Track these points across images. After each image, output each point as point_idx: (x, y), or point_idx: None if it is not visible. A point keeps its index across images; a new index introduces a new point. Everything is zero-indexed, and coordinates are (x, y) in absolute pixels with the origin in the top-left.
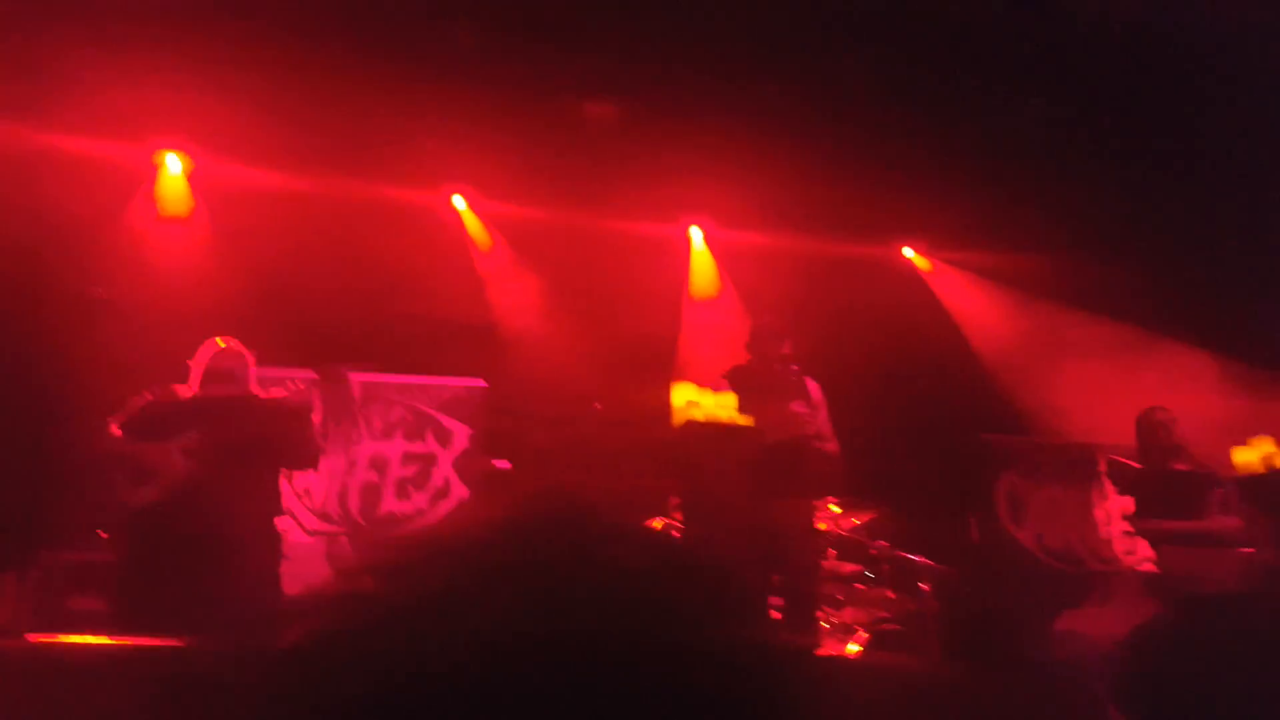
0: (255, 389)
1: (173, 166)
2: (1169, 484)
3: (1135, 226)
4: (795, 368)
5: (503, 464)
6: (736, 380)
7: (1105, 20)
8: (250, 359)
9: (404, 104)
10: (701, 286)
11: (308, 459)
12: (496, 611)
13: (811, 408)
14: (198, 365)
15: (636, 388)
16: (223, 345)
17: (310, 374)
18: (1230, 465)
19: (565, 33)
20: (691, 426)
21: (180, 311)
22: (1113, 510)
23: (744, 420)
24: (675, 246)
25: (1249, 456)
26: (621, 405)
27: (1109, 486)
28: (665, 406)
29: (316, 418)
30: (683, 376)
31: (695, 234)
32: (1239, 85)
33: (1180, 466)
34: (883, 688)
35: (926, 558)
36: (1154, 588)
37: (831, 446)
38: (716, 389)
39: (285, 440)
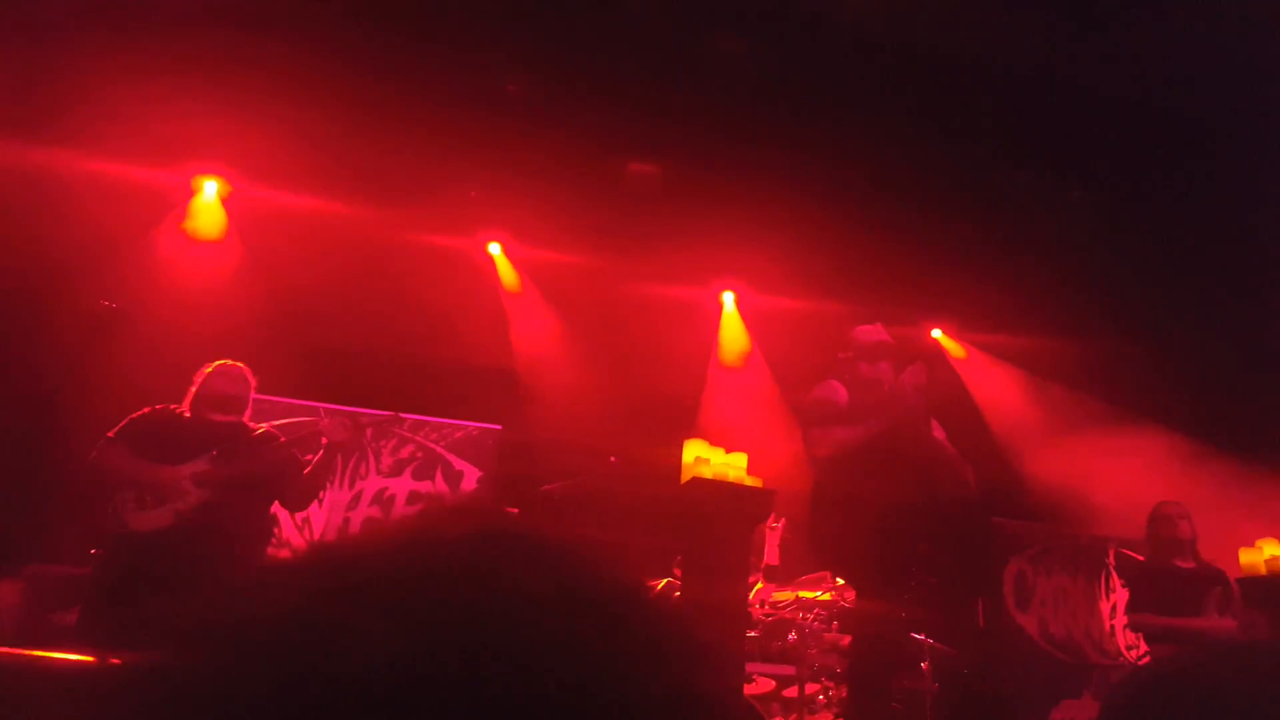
0: (248, 419)
1: (209, 191)
2: (1170, 580)
3: (1169, 319)
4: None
5: (511, 510)
6: None
7: (1135, 112)
8: (253, 386)
9: (448, 148)
10: (730, 350)
11: (302, 501)
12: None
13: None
14: (202, 386)
15: (654, 445)
16: (228, 369)
17: (324, 405)
18: (1237, 565)
19: (612, 94)
20: (697, 483)
21: (197, 330)
22: (1119, 603)
23: (753, 481)
24: (706, 309)
25: (1254, 557)
26: (637, 461)
27: (1116, 580)
28: (679, 465)
29: (324, 450)
30: (703, 437)
31: (728, 298)
32: (1268, 179)
33: (1183, 563)
34: None
35: (929, 637)
36: None
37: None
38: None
39: (284, 479)
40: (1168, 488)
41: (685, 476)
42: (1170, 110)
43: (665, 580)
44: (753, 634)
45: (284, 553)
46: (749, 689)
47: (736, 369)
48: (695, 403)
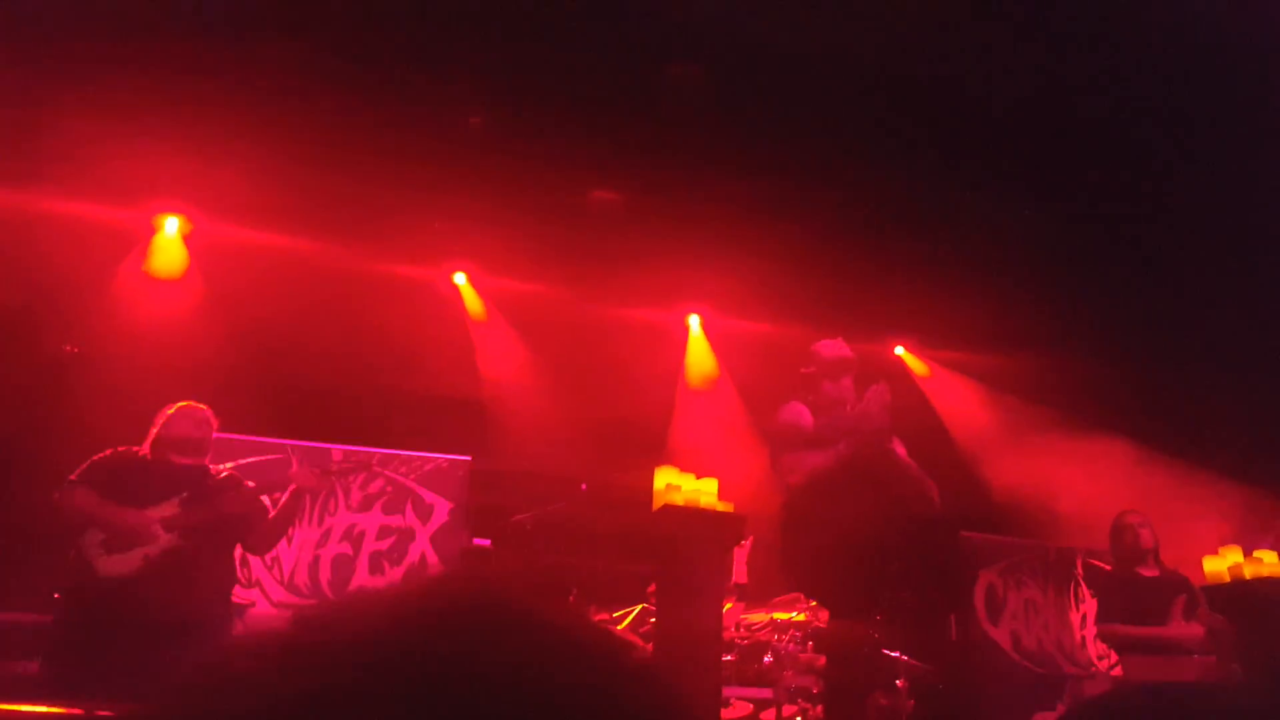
0: (209, 462)
1: (170, 229)
2: (1135, 588)
3: (1122, 332)
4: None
5: (483, 541)
6: None
7: (1089, 130)
8: (214, 428)
9: (412, 180)
10: (697, 374)
11: (267, 545)
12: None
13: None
14: (163, 429)
15: (625, 471)
16: (191, 410)
17: (289, 442)
18: (1198, 571)
19: (574, 122)
20: (669, 510)
21: (159, 370)
22: (1088, 614)
23: (724, 506)
24: (673, 333)
25: (1217, 565)
26: (608, 488)
27: (1085, 590)
28: (650, 491)
29: (291, 495)
30: (672, 462)
31: (694, 322)
32: (1216, 194)
33: (1147, 572)
34: None
35: (904, 654)
36: None
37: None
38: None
39: (250, 523)
40: (1127, 496)
41: (657, 504)
42: (1122, 128)
43: (640, 606)
44: (729, 658)
45: (253, 592)
46: (726, 714)
47: (704, 392)
48: (664, 427)
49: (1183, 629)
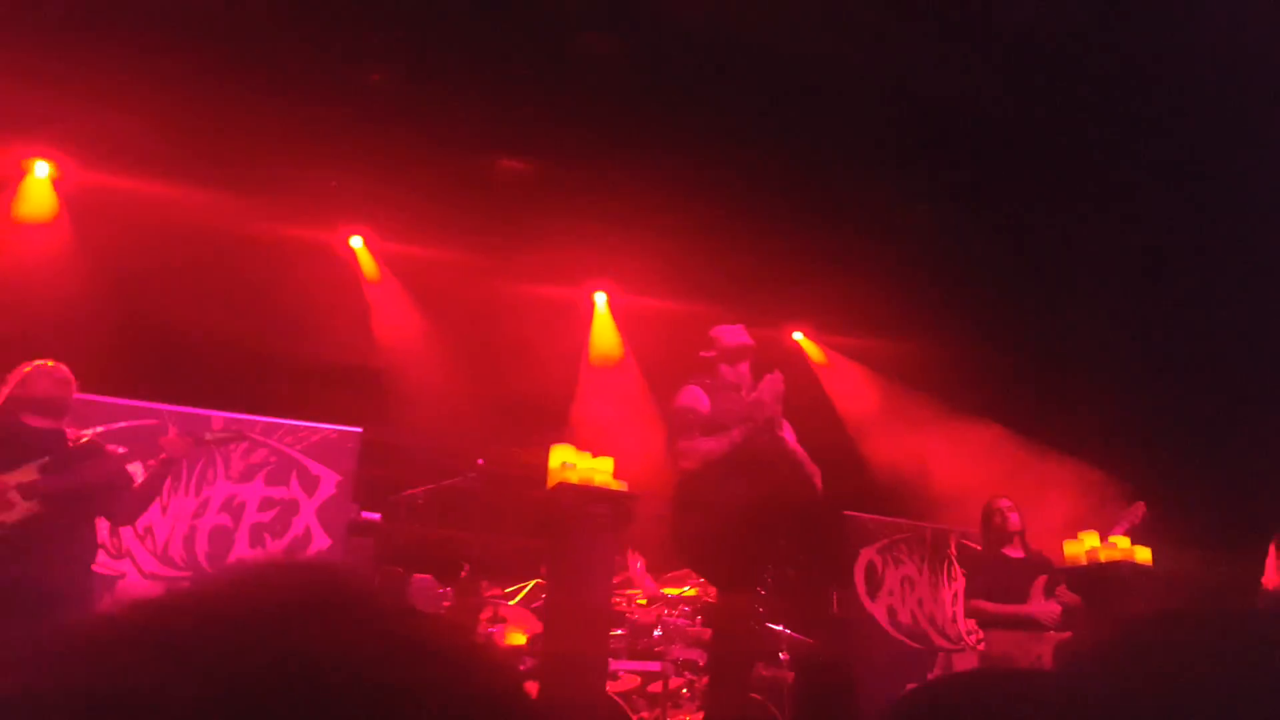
0: (67, 425)
1: (40, 173)
2: (1001, 568)
3: (1002, 322)
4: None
5: (372, 515)
6: None
7: (986, 122)
8: (74, 389)
9: (307, 136)
10: (601, 351)
11: (130, 516)
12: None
13: None
14: (19, 388)
15: (523, 447)
16: (50, 369)
17: (165, 407)
18: (1061, 556)
19: (483, 87)
20: (563, 488)
21: (21, 323)
22: (959, 591)
23: (618, 485)
24: (578, 309)
25: (1076, 549)
26: (506, 463)
27: (957, 569)
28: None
29: (160, 464)
30: (573, 438)
31: (599, 299)
32: (1098, 185)
33: (1013, 553)
34: None
35: (788, 627)
36: (985, 662)
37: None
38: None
39: (112, 492)
40: (999, 480)
41: (551, 481)
42: (1007, 120)
43: (534, 581)
44: (619, 632)
45: (124, 563)
46: (614, 686)
47: (607, 369)
48: (566, 403)
49: (1040, 607)
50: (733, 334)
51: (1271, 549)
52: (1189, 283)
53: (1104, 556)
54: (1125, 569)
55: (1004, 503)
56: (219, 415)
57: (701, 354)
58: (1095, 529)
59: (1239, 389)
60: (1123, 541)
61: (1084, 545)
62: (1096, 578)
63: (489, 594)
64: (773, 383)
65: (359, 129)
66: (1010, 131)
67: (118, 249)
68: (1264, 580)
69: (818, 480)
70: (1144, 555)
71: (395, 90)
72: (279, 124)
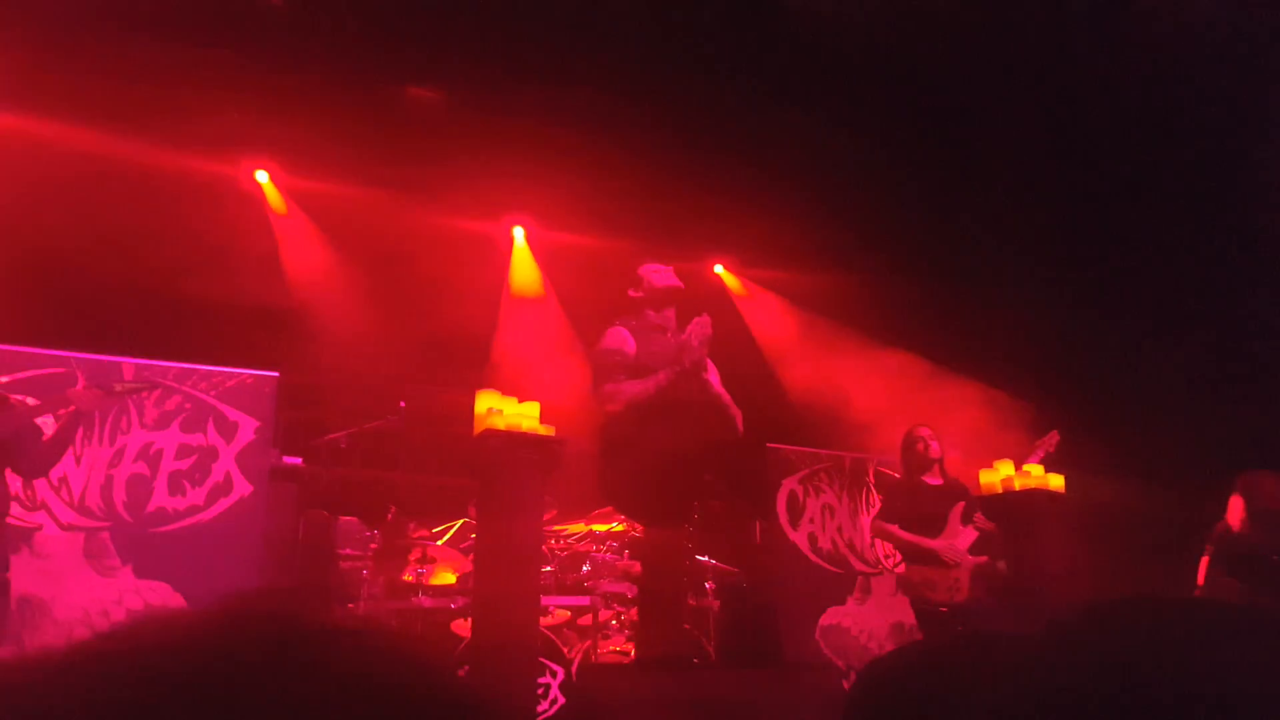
0: None
1: None
2: (919, 494)
3: (920, 252)
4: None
5: (293, 460)
6: None
7: (901, 53)
8: None
9: (209, 68)
10: (521, 286)
11: (39, 469)
12: None
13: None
14: None
15: (445, 385)
16: None
17: (73, 354)
18: (978, 484)
19: (391, 12)
20: (491, 435)
21: None
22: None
23: (545, 430)
24: (496, 244)
25: (991, 477)
26: (429, 403)
27: (875, 496)
28: (473, 408)
29: (69, 418)
30: (496, 375)
31: (518, 233)
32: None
33: (932, 480)
34: (663, 686)
35: (714, 559)
36: (905, 588)
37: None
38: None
39: (20, 446)
40: (918, 409)
41: (478, 428)
42: (919, 51)
43: (461, 521)
44: (548, 568)
45: (39, 515)
46: (545, 621)
47: (528, 306)
48: (486, 341)
49: (945, 545)
50: (662, 276)
51: (1234, 498)
52: (1103, 203)
53: (1019, 484)
54: (1040, 496)
55: (924, 431)
56: (130, 362)
57: (630, 293)
58: (1010, 456)
59: (1155, 314)
60: (1036, 470)
61: (999, 474)
62: (1012, 505)
63: (416, 535)
64: (700, 326)
65: (260, 57)
66: (922, 61)
67: (15, 190)
68: (1227, 519)
69: (739, 422)
70: (1057, 483)
71: (298, 16)
72: (178, 56)
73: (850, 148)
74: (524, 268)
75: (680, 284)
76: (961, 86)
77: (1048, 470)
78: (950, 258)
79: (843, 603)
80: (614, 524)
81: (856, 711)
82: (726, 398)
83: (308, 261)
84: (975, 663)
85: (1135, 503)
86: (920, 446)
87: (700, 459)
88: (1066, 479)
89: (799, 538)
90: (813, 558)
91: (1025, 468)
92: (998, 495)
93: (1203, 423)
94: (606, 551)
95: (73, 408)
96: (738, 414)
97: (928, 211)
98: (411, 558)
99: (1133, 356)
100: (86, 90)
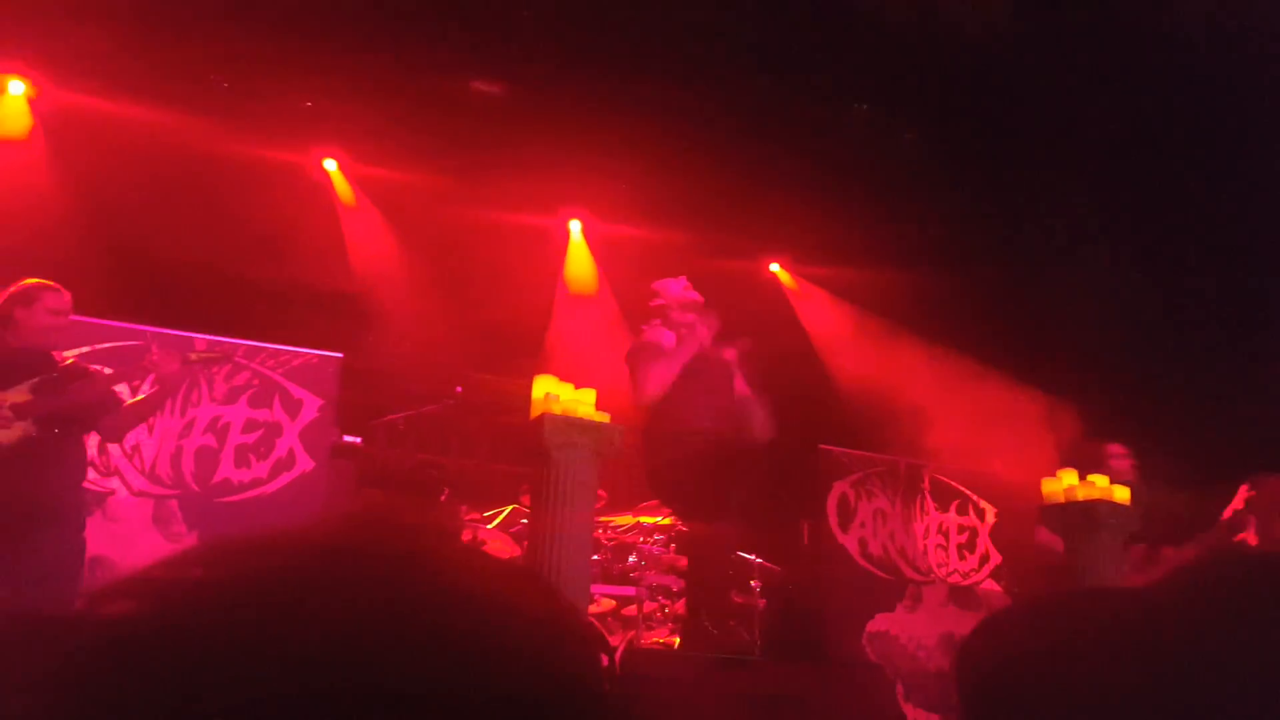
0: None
1: (14, 90)
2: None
3: (986, 254)
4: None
5: (353, 439)
6: None
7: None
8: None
9: (282, 56)
10: (576, 279)
11: (119, 433)
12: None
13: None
14: (24, 309)
15: (500, 374)
16: (55, 295)
17: (148, 328)
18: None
19: (460, 9)
20: (547, 419)
21: (3, 243)
22: (931, 525)
23: (601, 417)
24: (554, 237)
25: (1054, 487)
26: (483, 390)
27: (930, 503)
28: (527, 395)
29: (157, 387)
30: (549, 366)
31: (574, 226)
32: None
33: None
34: (708, 676)
35: (759, 557)
36: (959, 598)
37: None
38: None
39: (102, 411)
40: (979, 417)
41: (535, 412)
42: (984, 49)
43: (511, 506)
44: (596, 557)
45: (113, 480)
46: (591, 609)
47: (583, 298)
48: (541, 331)
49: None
50: (679, 287)
51: (1243, 489)
52: (1172, 217)
53: (1082, 495)
54: (1104, 507)
55: (1118, 448)
56: (202, 338)
57: (653, 304)
58: (1074, 466)
59: (1220, 327)
60: (1101, 480)
61: (1063, 483)
62: (1075, 516)
63: (468, 517)
64: (711, 321)
65: (333, 50)
66: (988, 60)
67: (94, 169)
68: (1225, 514)
69: (763, 424)
70: (1122, 495)
71: (370, 9)
72: (256, 45)
73: (915, 144)
74: (579, 260)
75: (699, 296)
76: (1022, 82)
77: (1113, 481)
78: (1014, 259)
79: (892, 609)
80: (661, 517)
81: (970, 666)
82: (749, 394)
83: (370, 247)
84: (1090, 614)
85: (1201, 516)
86: (1115, 463)
87: (741, 455)
88: (1132, 490)
89: (849, 541)
90: (862, 562)
91: (1090, 478)
92: (1060, 505)
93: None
94: (653, 544)
95: (152, 376)
96: (763, 416)
97: (990, 209)
98: (463, 538)
99: (1203, 365)
100: (167, 76)
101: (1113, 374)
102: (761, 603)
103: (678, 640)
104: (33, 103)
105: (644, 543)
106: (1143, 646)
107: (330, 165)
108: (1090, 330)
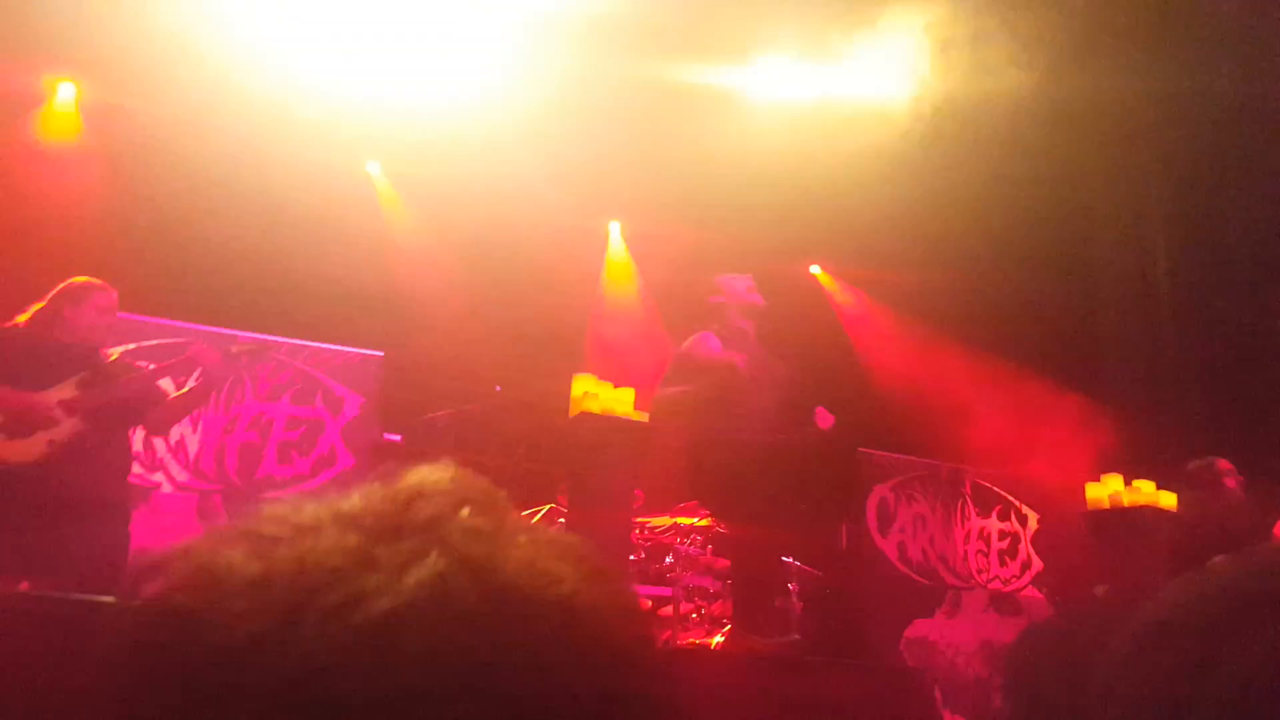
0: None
1: (64, 94)
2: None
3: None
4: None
5: (394, 437)
6: None
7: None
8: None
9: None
10: (616, 282)
11: (163, 426)
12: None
13: None
14: (71, 306)
15: (539, 374)
16: (102, 293)
17: (191, 325)
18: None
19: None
20: (585, 418)
21: (50, 243)
22: (971, 531)
23: (639, 416)
24: (594, 239)
25: (1099, 492)
26: (523, 390)
27: (971, 508)
28: (566, 396)
29: (200, 381)
30: (587, 368)
31: (614, 229)
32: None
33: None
34: (745, 677)
35: (797, 560)
36: (999, 605)
37: None
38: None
39: (149, 405)
40: (1023, 421)
41: (574, 410)
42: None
43: (548, 506)
44: (633, 557)
45: (157, 475)
46: None
47: (622, 299)
48: (580, 333)
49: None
50: (742, 283)
51: None
52: (1215, 227)
53: (1127, 500)
54: (1149, 514)
55: (1227, 464)
56: (244, 336)
57: (710, 299)
58: (1119, 471)
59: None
60: (1147, 486)
61: (1108, 489)
62: (1121, 522)
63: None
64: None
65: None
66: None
67: (141, 170)
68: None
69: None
70: (1169, 500)
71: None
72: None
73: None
74: (619, 264)
75: (761, 300)
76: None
77: (1159, 487)
78: (1063, 265)
79: (931, 615)
80: (698, 518)
81: (1015, 674)
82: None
83: (412, 248)
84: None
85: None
86: (1228, 480)
87: (785, 460)
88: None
89: (888, 545)
90: (901, 567)
91: (1135, 483)
92: (1106, 511)
93: None
94: (691, 545)
95: (200, 369)
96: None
97: (1034, 211)
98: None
99: (1249, 373)
100: (208, 74)
101: (1161, 380)
102: (800, 606)
103: (714, 641)
104: (81, 105)
105: (681, 543)
106: (1188, 658)
107: (373, 168)
108: (1139, 339)
